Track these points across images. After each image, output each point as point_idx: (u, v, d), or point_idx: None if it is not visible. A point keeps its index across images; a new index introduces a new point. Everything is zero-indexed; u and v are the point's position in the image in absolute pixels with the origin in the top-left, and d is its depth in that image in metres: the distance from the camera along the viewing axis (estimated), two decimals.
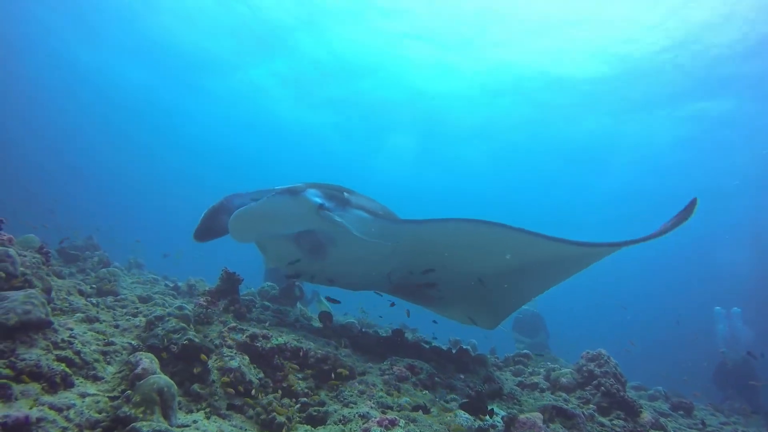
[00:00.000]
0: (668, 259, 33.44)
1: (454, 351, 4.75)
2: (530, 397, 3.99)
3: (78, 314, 3.17)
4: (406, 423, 2.44)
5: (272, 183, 3.67)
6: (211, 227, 4.02)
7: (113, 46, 20.73)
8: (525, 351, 6.11)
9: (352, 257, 3.97)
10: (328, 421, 2.54)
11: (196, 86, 24.25)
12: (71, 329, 2.73)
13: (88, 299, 3.69)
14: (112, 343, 2.75)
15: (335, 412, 2.60)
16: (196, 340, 2.75)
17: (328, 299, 4.67)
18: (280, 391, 2.76)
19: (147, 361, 2.32)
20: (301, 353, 3.10)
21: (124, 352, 2.71)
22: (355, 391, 2.93)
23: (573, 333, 19.53)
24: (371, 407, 2.68)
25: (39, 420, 1.84)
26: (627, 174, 25.27)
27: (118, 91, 25.26)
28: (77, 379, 2.28)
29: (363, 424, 2.43)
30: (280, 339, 3.10)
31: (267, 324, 3.71)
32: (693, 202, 2.97)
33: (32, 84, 25.36)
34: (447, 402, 3.11)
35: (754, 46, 14.65)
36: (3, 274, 2.74)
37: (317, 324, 4.70)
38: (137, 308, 3.82)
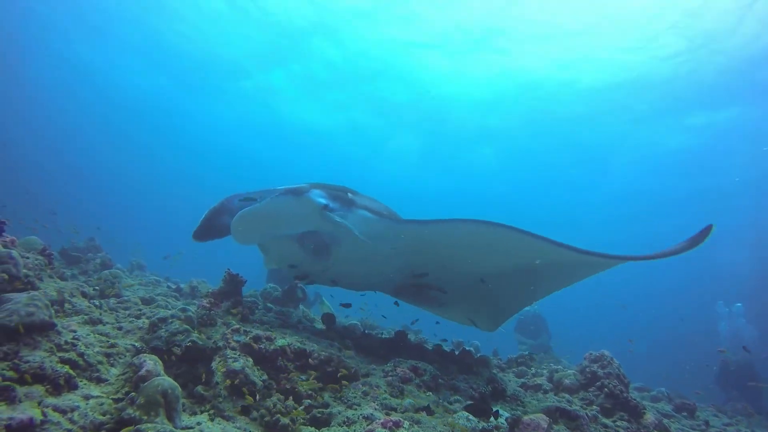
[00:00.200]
0: (669, 259, 33.28)
1: (456, 353, 4.74)
2: (534, 399, 3.99)
3: (81, 316, 3.17)
4: (410, 424, 2.43)
5: (279, 184, 3.66)
6: (211, 227, 4.01)
7: (120, 48, 20.72)
8: (528, 352, 6.11)
9: (357, 257, 3.96)
10: (332, 423, 2.53)
11: (205, 89, 24.22)
12: (74, 331, 2.72)
13: (91, 301, 3.68)
14: (115, 345, 2.75)
15: (339, 413, 2.59)
16: (200, 342, 2.75)
17: (342, 305, 4.67)
18: (284, 393, 2.75)
19: (151, 363, 2.32)
20: (304, 355, 3.09)
21: (127, 354, 2.71)
22: (359, 393, 2.92)
23: (574, 333, 19.54)
24: (375, 409, 2.67)
25: (43, 422, 1.83)
26: (631, 175, 25.34)
27: (122, 93, 25.21)
28: (81, 381, 2.28)
29: (367, 425, 2.42)
30: (283, 341, 3.09)
31: (270, 326, 3.70)
32: (708, 229, 2.98)
33: (33, 84, 25.28)
34: (451, 403, 3.09)
35: (761, 54, 14.74)
36: (6, 276, 2.74)
37: (320, 326, 4.70)
38: (140, 310, 3.81)
